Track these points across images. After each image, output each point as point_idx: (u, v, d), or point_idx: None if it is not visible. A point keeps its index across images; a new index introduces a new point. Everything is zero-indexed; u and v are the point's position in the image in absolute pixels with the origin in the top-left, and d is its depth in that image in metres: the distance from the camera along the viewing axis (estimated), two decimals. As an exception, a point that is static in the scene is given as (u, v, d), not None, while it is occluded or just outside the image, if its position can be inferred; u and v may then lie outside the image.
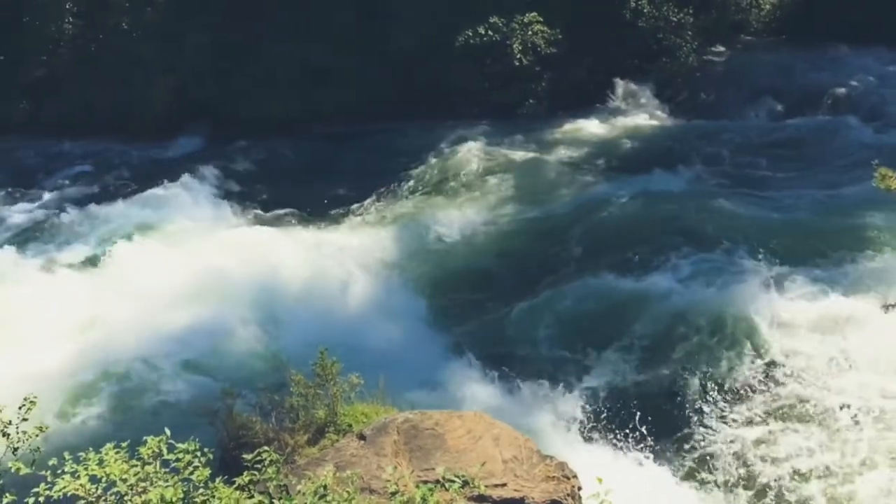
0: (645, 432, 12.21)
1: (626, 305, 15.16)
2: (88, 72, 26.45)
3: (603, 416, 12.47)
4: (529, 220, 19.86)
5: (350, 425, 9.83)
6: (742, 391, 13.09)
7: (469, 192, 21.57)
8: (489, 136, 24.71)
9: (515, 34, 25.82)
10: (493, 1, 25.90)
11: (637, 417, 12.39)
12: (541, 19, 26.09)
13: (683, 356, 13.71)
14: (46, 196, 22.92)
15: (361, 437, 9.12)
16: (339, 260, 17.90)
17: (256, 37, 26.12)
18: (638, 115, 26.22)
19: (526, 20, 26.00)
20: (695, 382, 13.23)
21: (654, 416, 12.53)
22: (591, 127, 25.60)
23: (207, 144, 25.83)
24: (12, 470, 6.02)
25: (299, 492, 5.65)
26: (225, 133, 25.79)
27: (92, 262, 18.01)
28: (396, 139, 24.92)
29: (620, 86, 27.21)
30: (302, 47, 25.76)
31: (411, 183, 22.43)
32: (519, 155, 23.74)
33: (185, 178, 22.35)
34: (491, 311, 16.14)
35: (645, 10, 27.28)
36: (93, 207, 21.35)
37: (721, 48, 30.65)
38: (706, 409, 12.72)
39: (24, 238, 20.08)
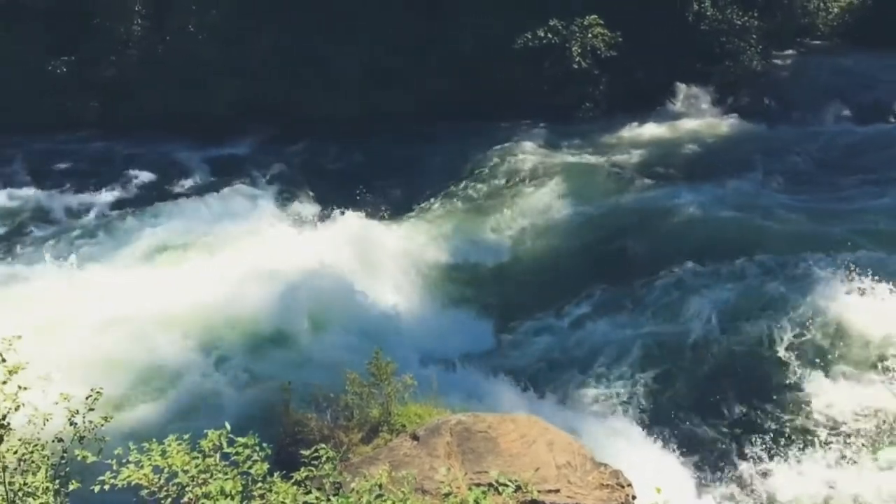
0: (699, 448, 11.98)
1: (687, 320, 14.82)
2: (155, 72, 27.17)
3: (659, 429, 12.23)
4: (585, 225, 19.61)
5: (403, 425, 9.87)
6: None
7: (524, 195, 21.46)
8: (546, 139, 24.59)
9: (575, 37, 25.66)
10: (553, 3, 25.78)
11: (693, 433, 12.15)
12: (601, 22, 25.88)
13: (744, 375, 13.32)
14: (112, 194, 23.58)
15: (414, 437, 9.15)
16: (394, 260, 18.03)
17: (318, 39, 26.50)
18: (698, 119, 25.78)
19: (586, 23, 25.81)
20: (758, 404, 12.79)
21: (712, 432, 12.25)
22: (650, 131, 25.27)
23: (269, 145, 26.28)
24: (79, 458, 6.21)
25: (353, 489, 5.71)
26: (286, 134, 26.25)
27: (152, 259, 18.44)
28: (453, 140, 24.97)
29: (681, 89, 26.81)
30: (362, 49, 26.05)
31: (466, 184, 22.44)
32: (575, 158, 23.56)
33: (246, 177, 22.82)
34: (544, 317, 15.97)
35: (708, 14, 26.85)
36: (155, 205, 21.89)
37: (787, 52, 29.99)
38: (769, 432, 12.31)
39: (88, 234, 20.67)
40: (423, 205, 21.50)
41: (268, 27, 26.79)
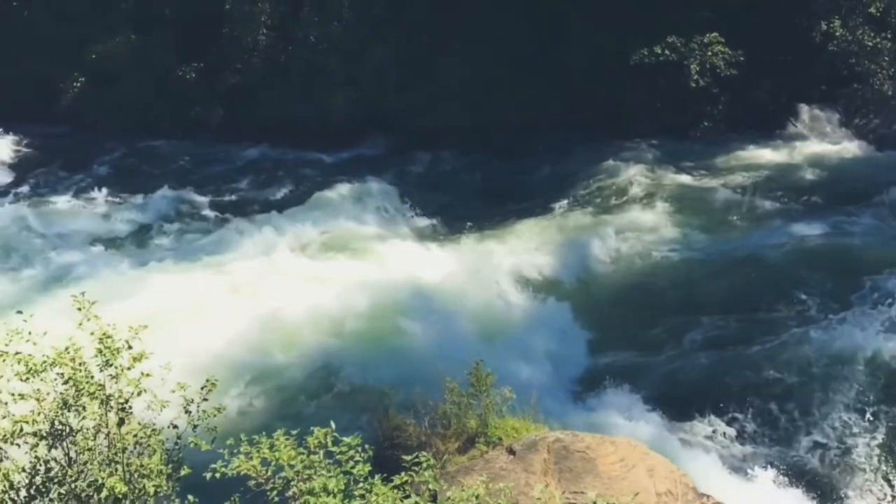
0: (811, 487, 11.39)
1: (798, 354, 14.11)
2: (277, 81, 28.21)
3: (766, 464, 11.69)
4: (695, 251, 18.97)
5: (500, 438, 9.85)
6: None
7: (633, 215, 21.04)
8: (658, 158, 24.04)
9: (694, 54, 25.05)
10: (672, 20, 25.27)
11: (805, 472, 11.57)
12: (722, 40, 25.17)
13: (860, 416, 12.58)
14: (231, 196, 24.64)
15: (511, 451, 9.14)
16: (498, 273, 18.02)
17: (432, 52, 26.88)
18: (822, 143, 24.62)
19: (706, 41, 25.16)
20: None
21: (826, 473, 11.62)
22: (770, 154, 24.27)
23: (380, 154, 26.86)
24: (191, 445, 6.50)
25: (450, 498, 5.74)
26: (398, 144, 26.75)
27: (265, 259, 19.09)
28: (563, 156, 24.80)
29: (804, 111, 25.70)
30: (475, 63, 26.22)
31: (575, 200, 22.24)
32: (689, 179, 22.94)
33: (357, 186, 23.40)
34: (649, 341, 15.58)
35: (837, 34, 25.68)
36: (271, 209, 22.70)
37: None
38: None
39: (207, 233, 21.66)
40: (529, 219, 21.40)
41: (385, 40, 27.39)
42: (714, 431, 12.50)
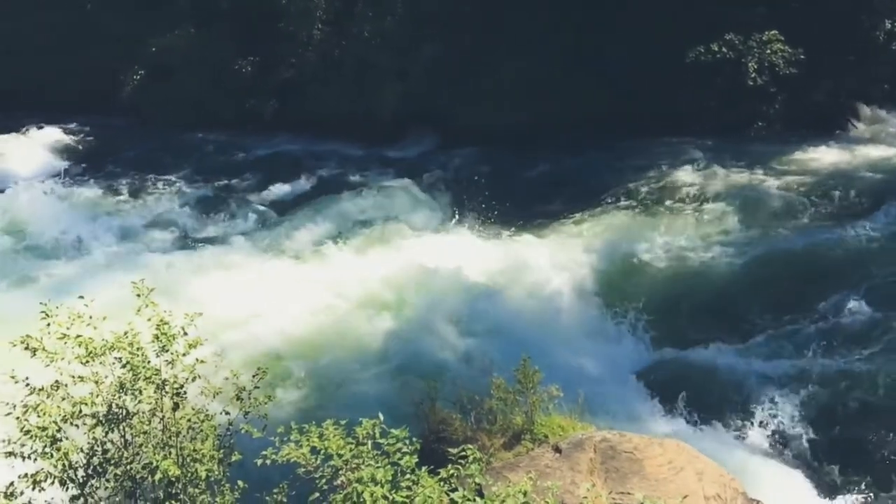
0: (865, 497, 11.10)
1: (857, 362, 13.75)
2: (330, 75, 28.49)
3: (821, 472, 11.41)
4: (747, 253, 18.51)
5: (546, 436, 9.82)
6: None
7: (683, 215, 20.72)
8: (710, 158, 23.59)
9: (752, 52, 24.56)
10: (730, 17, 24.81)
11: (862, 482, 11.27)
12: (781, 38, 24.64)
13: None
14: (281, 188, 24.94)
15: (557, 449, 9.11)
16: (545, 269, 17.95)
17: (482, 50, 26.80)
18: (884, 146, 23.85)
19: (765, 38, 24.65)
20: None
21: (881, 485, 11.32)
22: (828, 155, 23.63)
23: (429, 150, 26.94)
24: (242, 431, 6.64)
25: (496, 494, 5.75)
26: (446, 140, 26.78)
27: (309, 252, 19.35)
28: (610, 154, 24.49)
29: (866, 112, 25.01)
30: (524, 61, 26.10)
31: (623, 199, 21.95)
32: (742, 180, 22.46)
33: (403, 180, 23.54)
34: (698, 344, 15.32)
35: (902, 32, 24.98)
36: (320, 200, 22.97)
37: None
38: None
39: (253, 228, 22.01)
40: (577, 217, 21.23)
41: (437, 37, 27.42)
42: (766, 437, 12.27)
